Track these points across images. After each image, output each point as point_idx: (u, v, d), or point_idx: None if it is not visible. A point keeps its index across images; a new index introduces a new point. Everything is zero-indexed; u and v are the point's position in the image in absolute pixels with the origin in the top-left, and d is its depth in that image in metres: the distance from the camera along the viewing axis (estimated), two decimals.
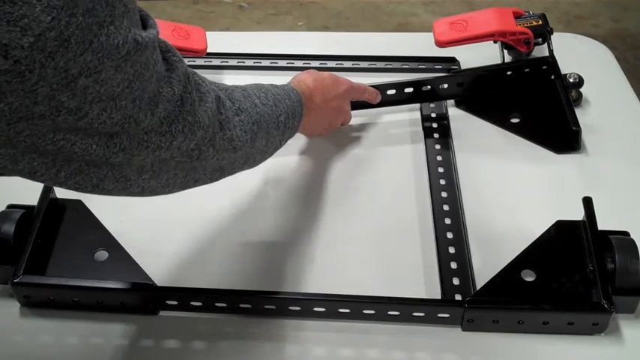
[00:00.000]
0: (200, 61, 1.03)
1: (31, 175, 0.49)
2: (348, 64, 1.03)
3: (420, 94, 0.95)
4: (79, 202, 0.78)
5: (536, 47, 0.97)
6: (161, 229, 0.80)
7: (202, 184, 0.64)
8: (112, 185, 0.54)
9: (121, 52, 0.45)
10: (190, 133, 0.56)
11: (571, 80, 0.95)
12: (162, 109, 0.53)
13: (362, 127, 0.95)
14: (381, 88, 0.94)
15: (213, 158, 0.61)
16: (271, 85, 0.75)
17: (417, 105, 0.97)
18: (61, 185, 0.52)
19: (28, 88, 0.42)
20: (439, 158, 0.89)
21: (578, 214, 0.75)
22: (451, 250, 0.77)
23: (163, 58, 0.54)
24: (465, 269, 0.74)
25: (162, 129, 0.53)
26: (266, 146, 0.70)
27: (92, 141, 0.49)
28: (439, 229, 0.79)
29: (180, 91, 0.54)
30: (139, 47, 0.47)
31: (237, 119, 0.63)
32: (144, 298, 0.71)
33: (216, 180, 0.66)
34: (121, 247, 0.74)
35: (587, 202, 0.74)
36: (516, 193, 0.84)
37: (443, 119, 0.95)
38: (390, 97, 0.95)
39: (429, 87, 0.95)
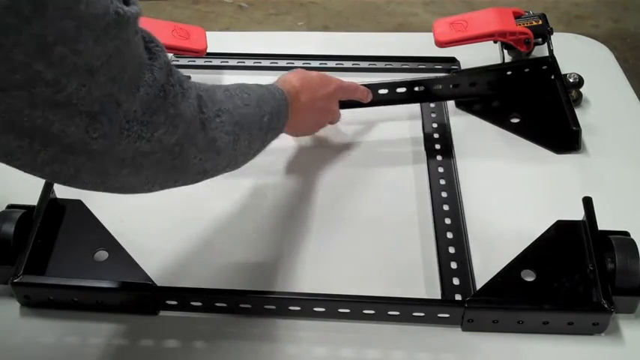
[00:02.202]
0: (200, 61, 1.03)
1: (8, 159, 0.48)
2: (348, 64, 1.03)
3: (414, 94, 0.94)
4: (79, 202, 0.78)
5: (536, 47, 0.97)
6: (161, 229, 0.80)
7: (183, 185, 0.63)
8: (89, 177, 0.53)
9: (100, 23, 0.45)
10: (172, 126, 0.55)
11: (571, 80, 0.95)
12: (144, 93, 0.51)
13: (362, 128, 0.95)
14: (373, 87, 0.93)
15: (195, 158, 0.60)
16: (256, 84, 0.74)
17: (417, 105, 0.97)
18: (37, 172, 0.51)
19: (3, 54, 0.41)
20: (439, 158, 0.89)
21: (578, 214, 0.75)
22: (451, 250, 0.77)
23: (146, 47, 0.53)
24: (465, 269, 0.74)
25: (144, 118, 0.52)
26: (248, 147, 0.69)
27: (72, 123, 0.48)
28: (439, 229, 0.79)
29: (162, 80, 0.53)
30: (121, 21, 0.46)
31: (219, 120, 0.62)
32: (144, 298, 0.71)
33: (198, 181, 0.65)
34: (121, 247, 0.74)
35: (587, 202, 0.74)
36: (516, 194, 0.84)
37: (443, 119, 0.95)
38: (382, 97, 0.94)
39: (422, 87, 0.94)
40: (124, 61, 0.48)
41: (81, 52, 0.44)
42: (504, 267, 0.71)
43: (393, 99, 0.95)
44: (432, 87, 0.94)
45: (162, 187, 0.61)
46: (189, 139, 0.58)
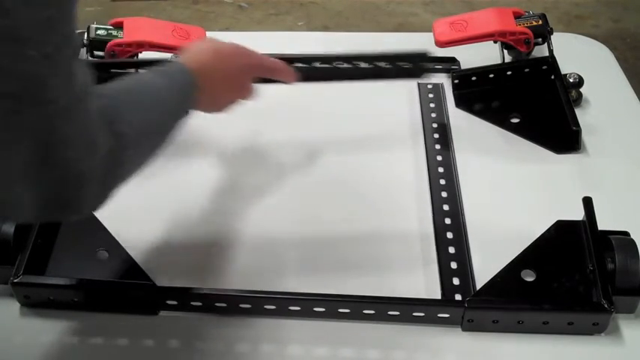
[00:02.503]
0: None
1: None
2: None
3: (341, 70, 0.86)
4: None
5: (536, 47, 0.97)
6: (161, 230, 0.80)
7: (72, 216, 0.56)
8: None
9: None
10: (87, 151, 0.49)
11: (571, 80, 0.95)
12: (79, 87, 0.46)
13: (362, 127, 0.95)
14: (288, 60, 0.83)
15: (94, 191, 0.53)
16: (158, 75, 0.65)
17: (417, 104, 0.97)
18: None
19: None
20: (439, 158, 0.89)
21: (578, 214, 0.75)
22: (451, 250, 0.77)
23: None
24: (465, 269, 0.74)
25: (62, 131, 0.47)
26: (151, 152, 0.63)
27: None
28: (439, 229, 0.79)
29: (87, 85, 0.48)
30: None
31: (124, 143, 0.55)
32: (144, 298, 0.71)
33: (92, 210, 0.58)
34: (121, 247, 0.74)
35: (587, 202, 0.74)
36: (516, 193, 0.84)
37: (443, 119, 0.95)
38: (310, 73, 0.86)
39: (343, 64, 0.86)
40: (59, 37, 0.44)
41: (8, 11, 0.40)
42: (504, 267, 0.71)
43: (316, 76, 0.86)
44: (351, 62, 0.86)
45: (47, 218, 0.54)
46: (95, 167, 0.51)
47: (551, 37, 0.96)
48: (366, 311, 0.70)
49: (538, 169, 0.87)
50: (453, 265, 0.75)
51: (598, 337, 0.69)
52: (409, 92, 0.99)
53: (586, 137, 0.90)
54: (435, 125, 0.94)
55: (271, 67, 0.79)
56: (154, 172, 0.87)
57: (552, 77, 0.95)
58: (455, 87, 0.98)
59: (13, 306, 0.72)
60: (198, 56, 0.71)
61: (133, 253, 0.73)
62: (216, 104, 0.76)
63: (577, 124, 0.89)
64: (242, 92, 0.78)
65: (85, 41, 0.93)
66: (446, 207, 0.82)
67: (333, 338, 0.70)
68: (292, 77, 0.81)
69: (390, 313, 0.70)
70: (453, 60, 1.03)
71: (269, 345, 0.69)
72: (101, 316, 0.71)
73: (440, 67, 1.03)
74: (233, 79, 0.75)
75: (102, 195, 0.56)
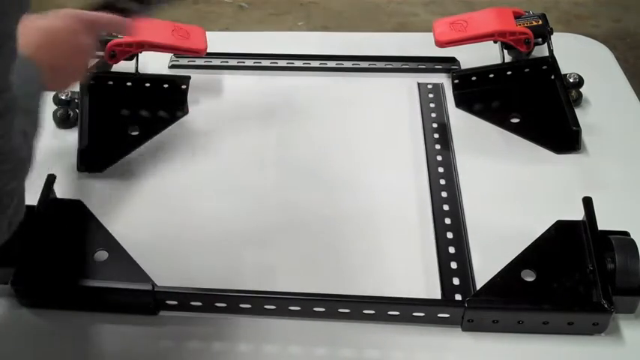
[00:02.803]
0: (200, 61, 1.03)
1: None
2: (348, 64, 1.03)
3: None
4: (79, 202, 0.78)
5: (536, 47, 0.97)
6: (161, 229, 0.80)
7: None
8: None
9: None
10: (19, 168, 0.47)
11: (571, 80, 0.95)
12: (13, 95, 0.45)
13: (362, 128, 0.95)
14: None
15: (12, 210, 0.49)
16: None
17: (417, 105, 0.97)
18: None
19: None
20: (439, 158, 0.89)
21: (578, 214, 0.75)
22: (451, 250, 0.77)
23: None
24: (465, 269, 0.75)
25: None
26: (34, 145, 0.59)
27: None
28: (439, 229, 0.79)
29: (16, 97, 0.47)
30: None
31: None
32: (144, 298, 0.71)
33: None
34: (121, 247, 0.74)
35: (587, 202, 0.74)
36: (516, 193, 0.84)
37: (443, 119, 0.95)
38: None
39: None
40: None
41: None
42: (504, 267, 0.71)
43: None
44: None
45: None
46: (21, 187, 0.48)
47: (551, 37, 0.96)
48: (366, 311, 0.70)
49: (538, 169, 0.87)
50: (453, 265, 0.75)
51: (598, 337, 0.69)
52: (409, 92, 0.99)
53: (586, 137, 0.90)
54: (435, 125, 0.94)
55: (107, 23, 0.79)
56: (154, 173, 0.87)
57: (552, 77, 0.95)
58: (455, 87, 0.98)
59: (13, 306, 0.72)
60: (30, 39, 0.67)
61: (133, 253, 0.73)
62: (64, 79, 0.74)
63: (577, 124, 0.89)
64: (86, 56, 0.76)
65: None
66: (446, 207, 0.82)
67: (333, 338, 0.70)
68: (130, 29, 0.81)
69: (390, 313, 0.70)
70: (453, 60, 1.03)
71: (269, 345, 0.69)
72: (101, 316, 0.71)
73: (440, 67, 1.03)
74: (71, 50, 0.73)
75: (17, 219, 0.51)
